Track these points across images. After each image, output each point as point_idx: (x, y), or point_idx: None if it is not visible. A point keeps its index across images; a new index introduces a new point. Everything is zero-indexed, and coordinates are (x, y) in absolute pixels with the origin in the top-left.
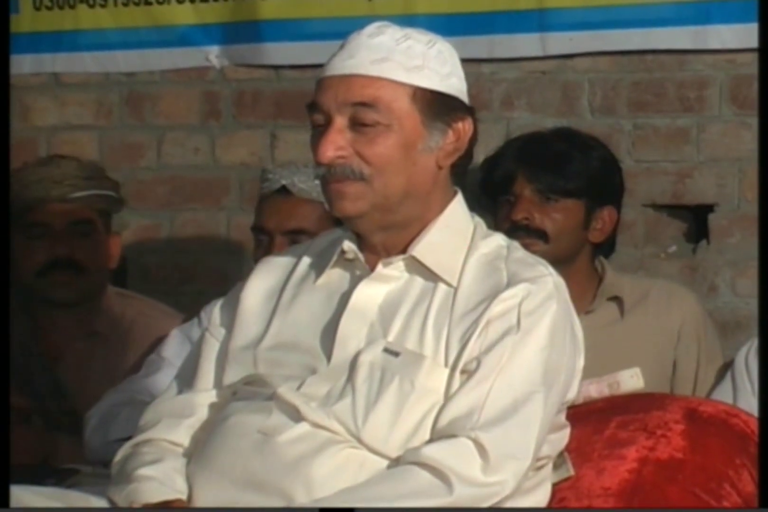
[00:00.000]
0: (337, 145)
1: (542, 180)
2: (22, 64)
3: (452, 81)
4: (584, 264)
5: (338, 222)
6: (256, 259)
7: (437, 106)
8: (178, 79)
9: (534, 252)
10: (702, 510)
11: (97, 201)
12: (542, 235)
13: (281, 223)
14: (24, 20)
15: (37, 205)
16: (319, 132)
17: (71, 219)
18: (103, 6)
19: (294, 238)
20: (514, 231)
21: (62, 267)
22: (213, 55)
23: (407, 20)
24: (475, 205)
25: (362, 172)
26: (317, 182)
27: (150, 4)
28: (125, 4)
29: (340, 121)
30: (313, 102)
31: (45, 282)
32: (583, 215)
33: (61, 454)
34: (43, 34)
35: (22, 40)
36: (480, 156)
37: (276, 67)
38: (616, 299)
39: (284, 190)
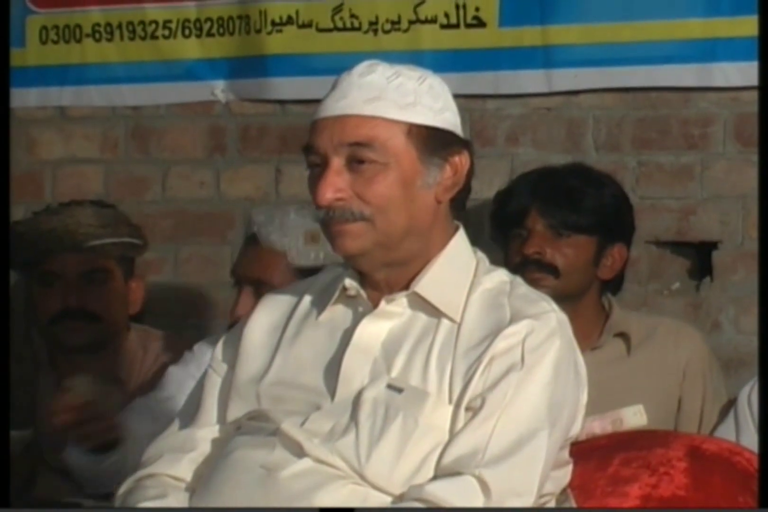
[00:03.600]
0: (335, 187)
1: (555, 215)
2: (28, 98)
3: (446, 115)
4: (592, 300)
5: (302, 276)
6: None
7: (433, 142)
8: (183, 113)
9: (544, 287)
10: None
11: (113, 249)
12: (553, 270)
13: (247, 272)
14: (30, 54)
15: (51, 255)
16: (317, 173)
17: (85, 268)
18: (109, 40)
19: (258, 288)
20: (525, 265)
21: (74, 316)
22: (219, 89)
23: (413, 56)
24: (483, 239)
25: (363, 213)
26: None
27: (156, 38)
28: (131, 39)
29: (337, 162)
30: (308, 144)
31: (57, 330)
32: (594, 251)
33: (40, 488)
34: (50, 67)
35: (28, 73)
36: (484, 191)
37: (281, 102)
38: (623, 336)
39: (254, 238)
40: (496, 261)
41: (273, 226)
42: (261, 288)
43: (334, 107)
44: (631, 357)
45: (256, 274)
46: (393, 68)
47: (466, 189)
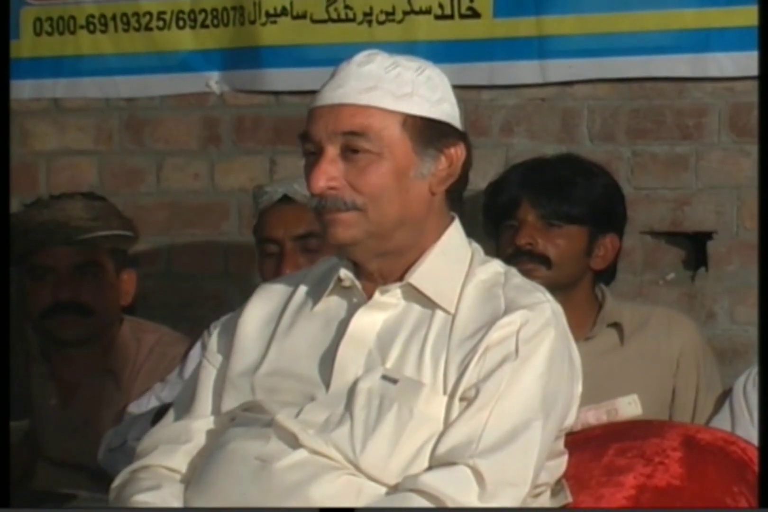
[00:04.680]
0: (329, 175)
1: (546, 206)
2: (22, 90)
3: (443, 107)
4: (585, 290)
5: None
6: (264, 271)
7: (428, 133)
8: (177, 105)
9: (536, 277)
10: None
11: (104, 242)
12: (545, 260)
13: (290, 230)
14: (24, 46)
15: (42, 248)
16: (312, 162)
17: (76, 261)
18: (103, 31)
19: (304, 243)
20: (517, 256)
21: (66, 310)
22: (213, 80)
23: (407, 47)
24: (477, 230)
25: (355, 203)
26: None
27: (150, 29)
28: (125, 30)
29: (332, 151)
30: (304, 132)
31: (50, 323)
32: (585, 242)
33: (38, 479)
34: (44, 59)
35: (22, 65)
36: (479, 182)
37: (276, 93)
38: (616, 326)
39: (286, 199)
40: (488, 252)
41: (300, 184)
42: (309, 243)
43: (331, 96)
44: (625, 347)
45: (302, 229)
46: (392, 58)
47: (462, 180)
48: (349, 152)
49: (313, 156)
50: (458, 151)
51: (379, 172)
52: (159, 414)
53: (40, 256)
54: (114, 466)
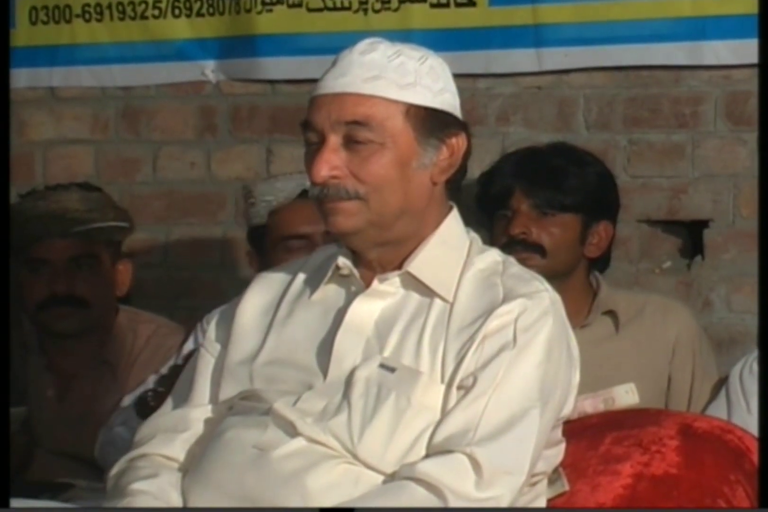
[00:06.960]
0: (331, 164)
1: (539, 195)
2: (18, 79)
3: (445, 96)
4: (580, 278)
5: None
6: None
7: (431, 123)
8: (174, 94)
9: (530, 266)
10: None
11: (100, 233)
12: (539, 249)
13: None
14: (20, 34)
15: (38, 241)
16: (313, 150)
17: (72, 254)
18: (99, 20)
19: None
20: (510, 245)
21: (62, 302)
22: (209, 69)
23: (403, 35)
24: (471, 219)
25: (357, 192)
26: None
27: (146, 18)
28: (121, 19)
29: (334, 140)
30: (306, 120)
31: (46, 316)
32: (579, 230)
33: (35, 468)
34: (40, 48)
35: (18, 54)
36: (475, 171)
37: (272, 82)
38: (611, 314)
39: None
40: (482, 242)
41: None
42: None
43: (334, 84)
44: (620, 335)
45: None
46: (394, 47)
47: (462, 171)
48: (351, 141)
49: (315, 144)
50: (460, 141)
51: (382, 162)
52: (141, 398)
53: (36, 248)
54: (105, 457)
